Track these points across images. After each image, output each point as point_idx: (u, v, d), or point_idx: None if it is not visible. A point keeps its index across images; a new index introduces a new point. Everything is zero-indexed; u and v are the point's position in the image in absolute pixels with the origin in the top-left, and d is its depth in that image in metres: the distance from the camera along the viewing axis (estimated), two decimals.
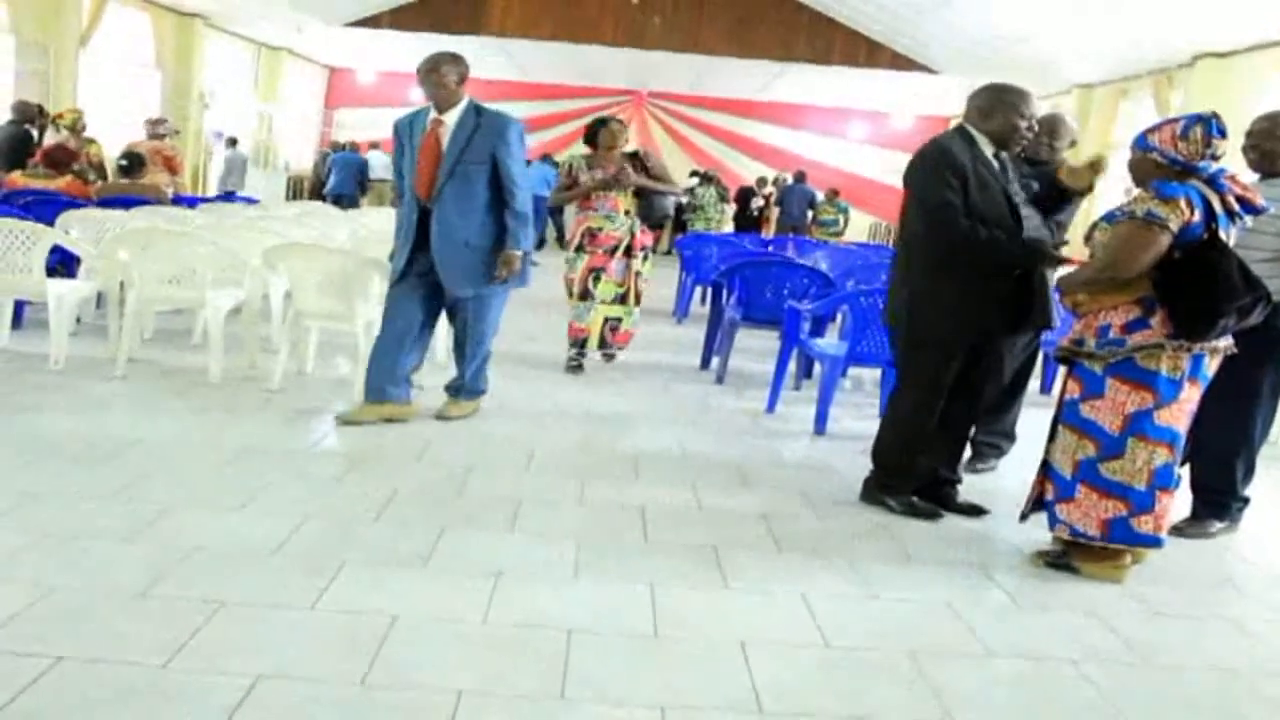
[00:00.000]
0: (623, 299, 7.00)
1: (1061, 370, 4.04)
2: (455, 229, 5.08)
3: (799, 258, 9.31)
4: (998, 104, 4.23)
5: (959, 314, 4.21)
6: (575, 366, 7.08)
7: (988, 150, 4.23)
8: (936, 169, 4.18)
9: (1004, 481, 5.00)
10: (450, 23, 17.71)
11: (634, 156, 7.04)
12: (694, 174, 20.06)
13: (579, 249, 6.93)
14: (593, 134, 7.05)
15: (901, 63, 17.73)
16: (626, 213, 6.92)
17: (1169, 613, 3.65)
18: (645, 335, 9.25)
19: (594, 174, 6.89)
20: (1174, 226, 3.57)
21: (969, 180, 4.12)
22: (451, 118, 5.09)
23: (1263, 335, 3.95)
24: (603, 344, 7.13)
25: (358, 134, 21.08)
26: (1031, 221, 4.22)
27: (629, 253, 6.94)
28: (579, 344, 7.05)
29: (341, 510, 3.95)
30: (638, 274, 7.02)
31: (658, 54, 17.95)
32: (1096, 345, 3.76)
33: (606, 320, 7.04)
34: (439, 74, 5.02)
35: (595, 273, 6.90)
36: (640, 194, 6.94)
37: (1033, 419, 5.27)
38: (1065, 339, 3.95)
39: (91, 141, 10.13)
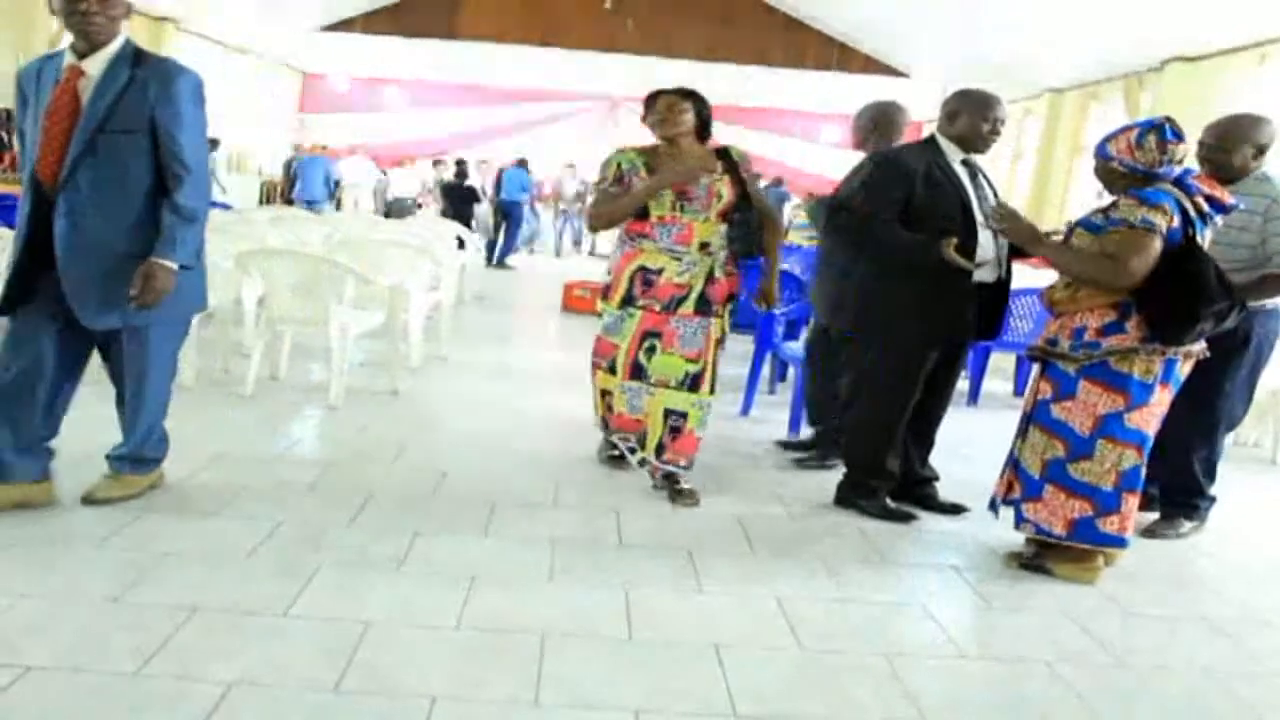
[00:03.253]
0: (694, 383, 4.46)
1: (1034, 371, 4.06)
2: (94, 230, 3.48)
3: None
4: (961, 108, 4.31)
5: (925, 317, 4.25)
6: (652, 469, 4.59)
7: (954, 157, 4.30)
8: (876, 176, 4.35)
9: (981, 481, 5.01)
10: (422, 27, 17.71)
11: (726, 157, 4.53)
12: None
13: (626, 301, 4.48)
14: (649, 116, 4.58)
15: (873, 67, 17.83)
16: (703, 247, 4.40)
17: (1142, 613, 3.68)
18: None
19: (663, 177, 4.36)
20: (1163, 232, 3.60)
21: (915, 183, 4.21)
22: (96, 66, 3.51)
23: (1229, 335, 3.99)
24: (659, 450, 4.54)
25: (331, 139, 20.99)
26: (990, 231, 4.26)
27: (705, 308, 4.42)
28: (639, 441, 4.62)
29: (315, 515, 3.94)
30: (718, 342, 4.52)
31: (632, 58, 17.96)
32: (1071, 347, 3.79)
33: (668, 415, 4.50)
34: None
35: (649, 339, 4.47)
36: (731, 219, 4.47)
37: (1004, 422, 5.31)
38: (1039, 338, 3.97)
39: None
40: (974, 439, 5.87)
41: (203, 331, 6.12)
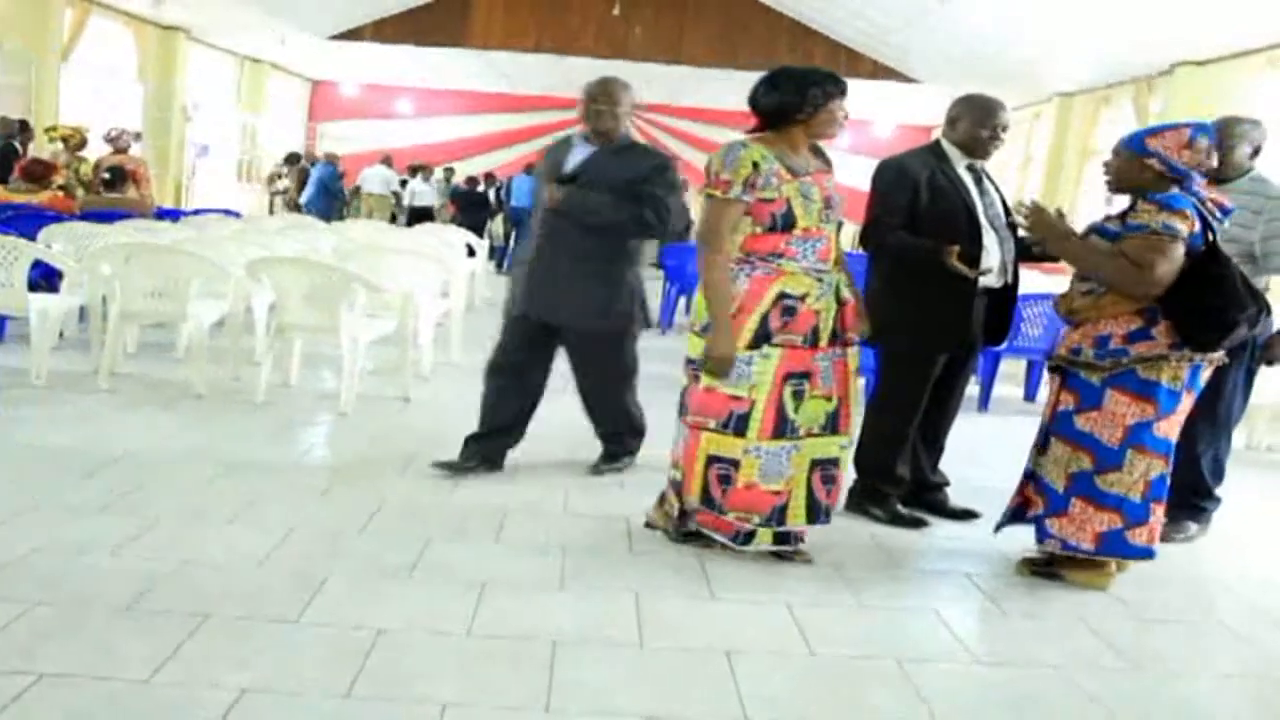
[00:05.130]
0: (835, 423, 3.77)
1: (1046, 379, 4.04)
2: None
3: None
4: (962, 114, 4.31)
5: (927, 325, 4.24)
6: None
7: (959, 163, 4.30)
8: (881, 182, 4.32)
9: (992, 486, 5.00)
10: (433, 35, 17.76)
11: (822, 154, 3.87)
12: None
13: (762, 338, 3.61)
14: (799, 103, 3.64)
15: (882, 72, 17.84)
16: (837, 263, 3.77)
17: (1155, 617, 3.66)
18: None
19: (807, 184, 3.64)
20: (1185, 237, 3.58)
21: (920, 191, 4.19)
22: None
23: None
24: (813, 513, 3.80)
25: (341, 146, 21.06)
26: (995, 236, 4.25)
27: (839, 338, 3.74)
28: (773, 518, 3.74)
29: (327, 522, 3.94)
30: (855, 373, 3.87)
31: (641, 64, 18.00)
32: (1095, 355, 3.72)
33: (815, 465, 3.77)
34: None
35: (796, 384, 3.66)
36: None
37: (1015, 427, 5.30)
38: (1061, 348, 3.91)
39: (84, 160, 10.09)
40: (985, 444, 5.85)
41: (214, 340, 6.15)
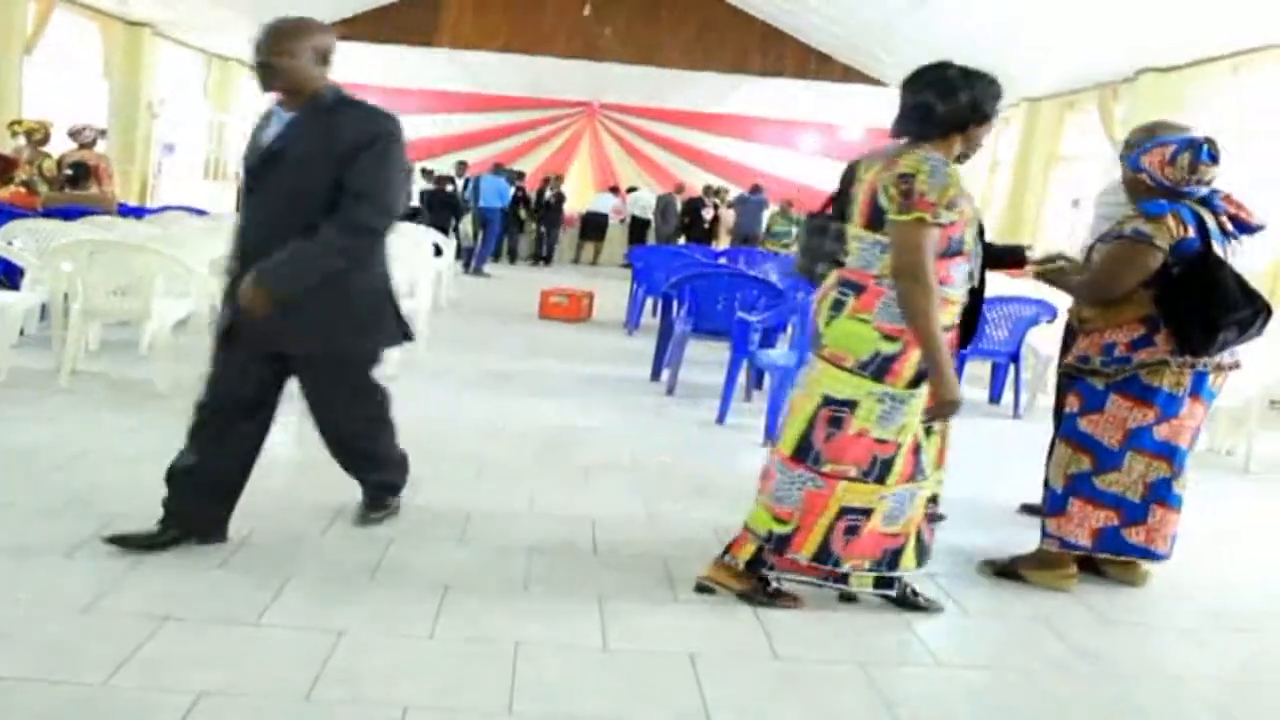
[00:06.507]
0: (939, 455, 3.55)
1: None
2: None
3: (749, 269, 9.32)
4: None
5: None
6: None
7: None
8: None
9: (953, 491, 5.01)
10: (404, 34, 17.69)
11: None
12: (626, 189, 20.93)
13: (921, 378, 3.26)
14: (973, 113, 3.25)
15: (852, 76, 17.92)
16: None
17: (1117, 620, 3.69)
18: (598, 347, 9.27)
19: (974, 204, 3.34)
20: (1162, 244, 3.60)
21: None
22: None
23: None
24: (921, 555, 3.52)
25: None
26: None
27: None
28: (884, 562, 3.45)
29: (290, 522, 3.92)
30: None
31: (612, 66, 18.01)
32: (1102, 363, 3.80)
33: (925, 504, 3.52)
34: None
35: (929, 423, 3.40)
36: None
37: (980, 429, 5.32)
38: (1070, 356, 3.99)
39: (47, 156, 9.98)
40: (949, 446, 5.86)
41: (178, 338, 6.09)
